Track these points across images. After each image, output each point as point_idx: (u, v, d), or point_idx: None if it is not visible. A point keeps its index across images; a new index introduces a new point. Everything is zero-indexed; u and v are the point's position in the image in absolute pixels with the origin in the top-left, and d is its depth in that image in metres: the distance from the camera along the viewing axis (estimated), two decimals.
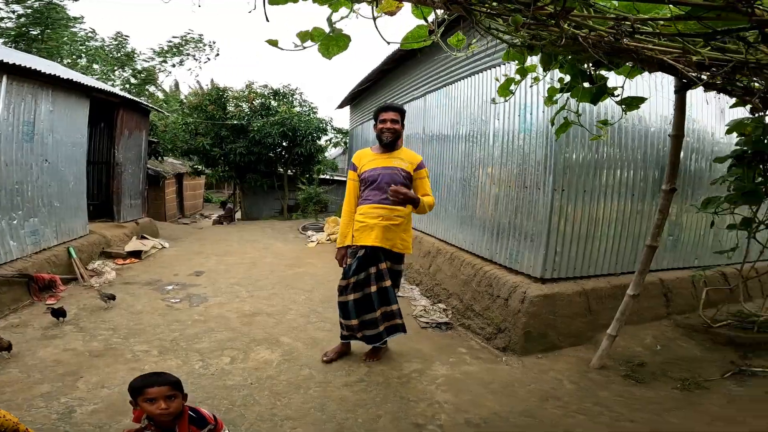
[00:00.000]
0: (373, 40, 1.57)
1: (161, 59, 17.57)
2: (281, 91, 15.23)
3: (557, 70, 1.96)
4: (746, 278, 3.59)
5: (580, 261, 3.77)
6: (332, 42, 1.27)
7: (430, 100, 6.08)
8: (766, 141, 2.80)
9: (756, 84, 1.64)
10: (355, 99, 11.45)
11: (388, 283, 3.08)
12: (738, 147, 3.15)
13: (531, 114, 3.74)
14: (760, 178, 2.91)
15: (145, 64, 17.54)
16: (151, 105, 10.41)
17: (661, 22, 1.24)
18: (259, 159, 14.33)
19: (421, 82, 6.42)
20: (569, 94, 2.08)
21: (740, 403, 2.81)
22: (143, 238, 7.61)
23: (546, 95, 2.32)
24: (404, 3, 1.22)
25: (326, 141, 16.63)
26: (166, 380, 1.65)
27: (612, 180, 3.79)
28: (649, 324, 3.83)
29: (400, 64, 7.27)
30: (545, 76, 2.11)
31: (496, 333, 3.72)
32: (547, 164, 3.60)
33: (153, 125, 13.06)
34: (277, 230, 11.26)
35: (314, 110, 15.28)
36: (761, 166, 2.93)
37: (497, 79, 2.93)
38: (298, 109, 14.73)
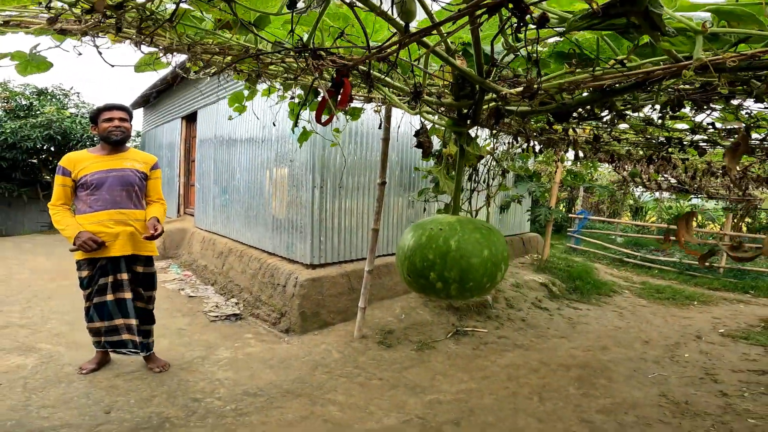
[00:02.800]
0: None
1: None
2: (49, 90, 12.95)
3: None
4: None
5: (342, 247, 4.57)
6: (31, 65, 1.46)
7: (224, 105, 6.28)
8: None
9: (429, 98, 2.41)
10: (150, 101, 10.61)
11: (128, 295, 2.87)
12: (438, 148, 4.24)
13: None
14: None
15: None
16: None
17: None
18: (15, 166, 11.83)
19: (216, 86, 6.56)
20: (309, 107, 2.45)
21: (454, 360, 3.79)
22: None
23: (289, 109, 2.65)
24: None
25: None
26: None
27: (363, 178, 4.71)
28: (400, 297, 4.85)
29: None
30: (282, 91, 2.45)
31: (279, 317, 4.18)
32: (309, 165, 4.29)
33: None
34: (41, 245, 9.45)
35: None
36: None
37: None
38: (73, 111, 12.75)
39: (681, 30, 0.88)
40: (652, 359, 4.04)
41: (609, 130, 2.76)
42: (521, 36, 0.81)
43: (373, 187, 4.75)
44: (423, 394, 3.12)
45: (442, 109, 1.43)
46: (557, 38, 1.13)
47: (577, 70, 1.06)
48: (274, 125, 4.61)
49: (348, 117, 2.75)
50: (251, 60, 1.60)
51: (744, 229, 14.25)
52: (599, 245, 10.45)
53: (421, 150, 1.55)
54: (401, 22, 0.82)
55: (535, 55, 0.93)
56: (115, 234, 2.79)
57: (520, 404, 3.06)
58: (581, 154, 4.28)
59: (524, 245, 7.96)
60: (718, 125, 2.23)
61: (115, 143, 2.86)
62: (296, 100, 2.66)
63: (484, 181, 4.33)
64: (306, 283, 4.08)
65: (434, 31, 0.85)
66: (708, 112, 1.91)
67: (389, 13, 0.84)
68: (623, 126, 2.80)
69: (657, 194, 14.57)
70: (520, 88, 0.99)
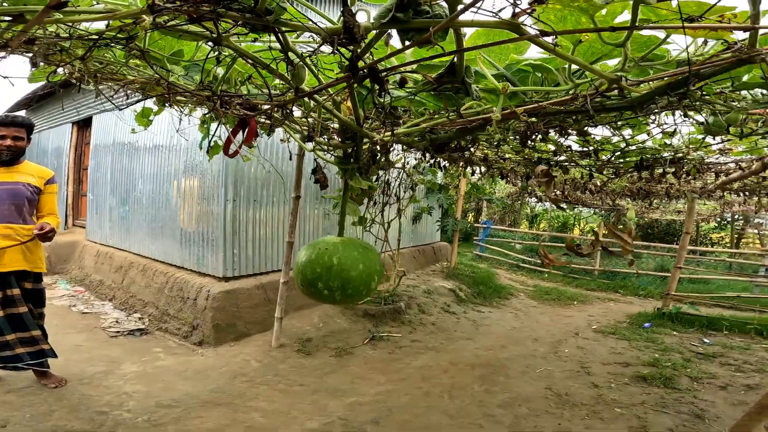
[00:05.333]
0: None
1: None
2: None
3: None
4: None
5: (258, 259, 4.57)
6: None
7: (127, 112, 5.88)
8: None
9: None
10: (36, 102, 9.39)
11: (22, 309, 2.74)
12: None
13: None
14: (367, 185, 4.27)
15: None
16: None
17: None
18: None
19: (119, 92, 6.09)
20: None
21: (372, 364, 3.97)
22: None
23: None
24: None
25: None
26: None
27: (278, 190, 4.74)
28: (317, 307, 4.92)
29: None
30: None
31: (191, 331, 4.03)
32: (222, 177, 4.24)
33: None
34: None
35: None
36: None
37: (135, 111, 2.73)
38: None
39: (493, 90, 1.17)
40: (541, 355, 4.55)
41: (496, 150, 3.14)
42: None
43: (288, 198, 4.78)
44: (344, 397, 3.24)
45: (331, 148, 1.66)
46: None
47: (436, 116, 1.33)
48: (184, 138, 4.44)
49: (263, 132, 2.78)
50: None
51: None
52: (501, 252, 11.42)
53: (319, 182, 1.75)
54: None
55: (390, 109, 1.20)
56: (2, 249, 2.63)
57: (433, 402, 3.30)
58: (478, 170, 4.76)
59: (435, 254, 8.46)
60: (575, 147, 2.67)
61: (3, 163, 2.73)
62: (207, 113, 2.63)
63: (395, 195, 4.60)
64: (219, 296, 4.01)
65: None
66: (564, 137, 2.33)
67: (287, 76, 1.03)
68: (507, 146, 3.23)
69: (547, 205, 16.35)
70: (389, 136, 1.25)
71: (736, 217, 13.44)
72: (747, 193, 4.46)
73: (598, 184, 3.89)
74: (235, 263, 4.29)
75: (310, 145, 1.88)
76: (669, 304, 6.28)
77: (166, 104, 1.95)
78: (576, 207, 14.93)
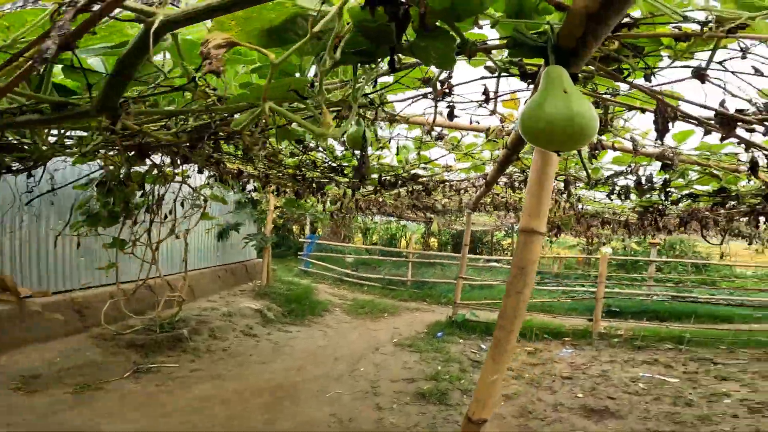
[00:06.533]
0: None
1: None
2: None
3: None
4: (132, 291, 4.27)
5: None
6: None
7: None
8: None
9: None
10: None
11: None
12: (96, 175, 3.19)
13: None
14: (121, 204, 3.26)
15: None
16: None
17: None
18: None
19: None
20: None
21: (129, 399, 3.34)
22: None
23: None
24: None
25: None
26: None
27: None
28: (62, 339, 3.96)
29: None
30: None
31: None
32: None
33: None
34: None
35: None
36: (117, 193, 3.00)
37: None
38: None
39: None
40: (336, 376, 4.36)
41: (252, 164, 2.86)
42: None
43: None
44: None
45: None
46: None
47: None
48: None
49: None
50: None
51: (436, 244, 17.89)
52: (326, 267, 11.32)
53: None
54: None
55: None
56: None
57: None
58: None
59: (248, 272, 7.87)
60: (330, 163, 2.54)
61: None
62: None
63: (170, 212, 3.80)
64: None
65: None
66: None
67: None
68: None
69: (377, 218, 16.98)
70: None
71: (515, 227, 15.98)
72: (495, 207, 5.11)
73: (381, 200, 3.98)
74: None
75: None
76: (456, 312, 6.81)
77: None
78: (401, 221, 15.95)
